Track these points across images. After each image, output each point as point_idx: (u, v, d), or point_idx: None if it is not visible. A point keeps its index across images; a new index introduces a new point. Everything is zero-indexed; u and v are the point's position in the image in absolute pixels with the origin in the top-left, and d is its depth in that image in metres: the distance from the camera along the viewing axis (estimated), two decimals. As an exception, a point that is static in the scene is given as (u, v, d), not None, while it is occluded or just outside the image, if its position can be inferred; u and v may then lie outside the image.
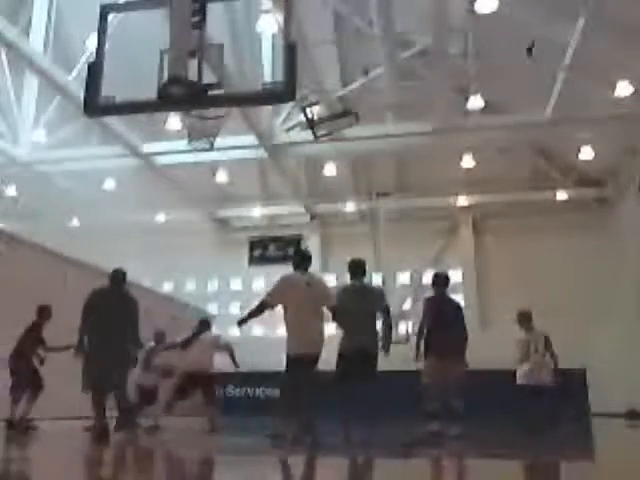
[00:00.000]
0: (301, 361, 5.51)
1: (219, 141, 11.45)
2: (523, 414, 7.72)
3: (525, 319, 8.29)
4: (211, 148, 11.44)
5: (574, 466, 4.29)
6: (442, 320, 6.52)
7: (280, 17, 6.63)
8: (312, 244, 18.08)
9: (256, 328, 17.81)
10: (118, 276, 6.32)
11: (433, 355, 6.38)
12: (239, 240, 18.46)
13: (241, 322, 5.87)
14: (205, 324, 8.27)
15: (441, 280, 6.95)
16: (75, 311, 6.28)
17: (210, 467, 4.29)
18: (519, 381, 7.80)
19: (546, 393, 7.55)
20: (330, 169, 15.21)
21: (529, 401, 7.57)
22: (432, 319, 6.56)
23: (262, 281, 18.29)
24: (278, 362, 15.39)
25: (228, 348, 8.15)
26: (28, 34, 11.40)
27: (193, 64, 4.67)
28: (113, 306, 6.07)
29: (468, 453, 5.17)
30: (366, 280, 6.26)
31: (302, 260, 5.78)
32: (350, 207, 17.05)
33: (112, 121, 12.18)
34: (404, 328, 15.24)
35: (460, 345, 6.54)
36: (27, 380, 7.45)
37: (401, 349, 8.45)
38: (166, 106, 5.76)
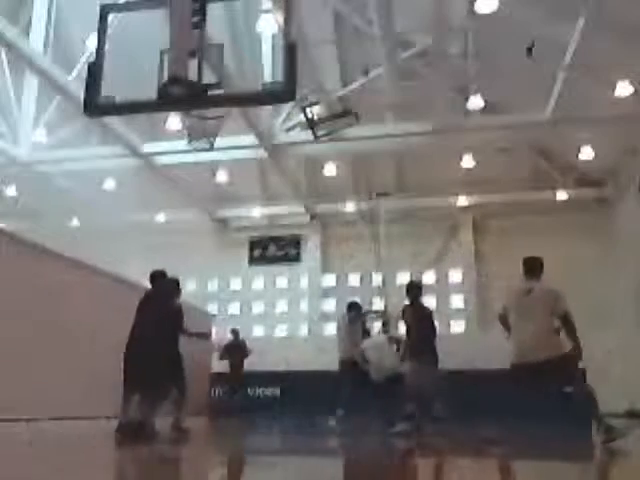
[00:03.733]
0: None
1: (219, 141, 11.46)
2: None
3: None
4: (211, 148, 11.46)
5: (574, 466, 4.29)
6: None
7: (280, 17, 6.63)
8: (312, 244, 18.09)
9: (256, 328, 17.85)
10: None
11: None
12: (239, 240, 18.45)
13: None
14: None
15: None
16: (76, 311, 6.30)
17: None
18: None
19: None
20: (330, 169, 15.21)
21: None
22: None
23: (262, 281, 18.32)
24: (278, 362, 15.40)
25: None
26: (28, 34, 11.39)
27: (193, 64, 4.68)
28: None
29: (469, 453, 5.18)
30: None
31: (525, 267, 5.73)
32: (350, 207, 17.05)
33: (112, 121, 12.17)
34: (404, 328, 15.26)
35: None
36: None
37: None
38: (166, 106, 5.77)
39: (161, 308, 6.32)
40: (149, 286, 6.79)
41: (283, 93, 4.78)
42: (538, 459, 4.56)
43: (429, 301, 15.28)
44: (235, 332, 13.08)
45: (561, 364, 5.16)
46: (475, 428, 8.44)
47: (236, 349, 12.69)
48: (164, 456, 4.78)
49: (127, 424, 5.84)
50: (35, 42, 11.23)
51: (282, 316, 17.88)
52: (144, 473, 3.83)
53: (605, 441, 4.93)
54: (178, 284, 6.75)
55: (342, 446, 6.26)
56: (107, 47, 5.06)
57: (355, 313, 9.47)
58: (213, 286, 18.37)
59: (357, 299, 10.78)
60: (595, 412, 5.07)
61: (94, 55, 5.07)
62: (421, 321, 7.19)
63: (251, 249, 18.44)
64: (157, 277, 6.52)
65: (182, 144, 12.26)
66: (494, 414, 11.16)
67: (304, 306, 17.74)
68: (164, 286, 6.53)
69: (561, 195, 15.56)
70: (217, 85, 4.80)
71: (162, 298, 6.42)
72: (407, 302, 7.48)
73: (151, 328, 6.07)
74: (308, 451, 5.59)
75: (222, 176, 15.53)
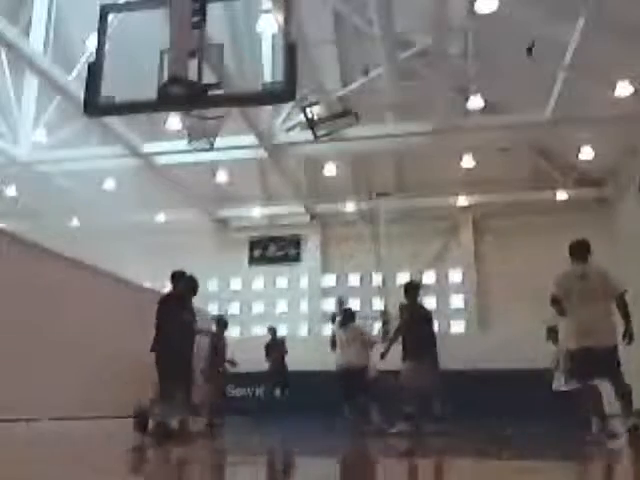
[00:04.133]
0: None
1: (219, 141, 11.45)
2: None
3: None
4: (211, 148, 11.44)
5: (575, 466, 4.29)
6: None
7: (280, 17, 6.63)
8: (312, 244, 18.09)
9: (256, 328, 17.85)
10: None
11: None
12: (239, 240, 18.45)
13: None
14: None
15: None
16: (76, 310, 6.28)
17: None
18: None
19: None
20: (330, 169, 15.20)
21: None
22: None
23: (262, 281, 18.32)
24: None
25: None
26: (28, 34, 11.39)
27: (193, 64, 4.68)
28: None
29: (467, 452, 5.18)
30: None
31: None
32: (350, 207, 17.04)
33: (112, 121, 12.17)
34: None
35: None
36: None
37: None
38: (166, 106, 5.78)
39: (184, 308, 6.42)
40: (149, 286, 6.91)
41: (283, 93, 4.78)
42: (540, 458, 4.56)
43: (429, 301, 15.30)
44: (272, 330, 12.77)
45: (614, 356, 5.25)
46: (475, 428, 8.45)
47: (274, 347, 12.47)
48: (181, 456, 4.78)
49: (164, 424, 5.89)
50: (35, 42, 11.22)
51: (282, 316, 17.87)
52: (155, 474, 3.83)
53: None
54: (195, 284, 6.81)
55: (342, 446, 6.27)
56: (107, 47, 5.06)
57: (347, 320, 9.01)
58: (213, 286, 18.35)
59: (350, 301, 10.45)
60: (629, 409, 5.14)
61: (94, 55, 5.07)
62: (420, 321, 7.19)
63: (251, 249, 18.43)
64: (177, 277, 6.66)
65: (182, 144, 12.25)
66: (494, 414, 11.17)
67: (304, 306, 17.75)
68: (185, 285, 6.64)
69: (561, 195, 15.56)
70: (217, 85, 4.80)
71: (182, 298, 6.54)
72: (405, 301, 7.48)
73: (181, 328, 6.15)
74: (308, 451, 5.59)
75: (222, 176, 15.52)
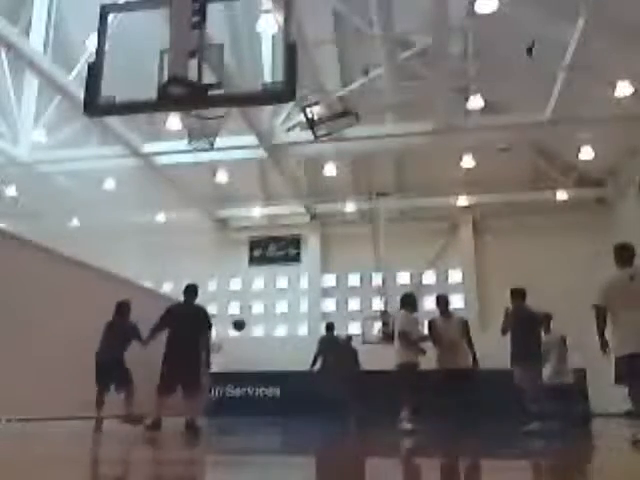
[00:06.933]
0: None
1: (219, 141, 11.46)
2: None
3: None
4: (211, 148, 11.45)
5: (574, 466, 4.29)
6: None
7: (280, 17, 6.63)
8: (312, 244, 18.10)
9: (256, 328, 17.85)
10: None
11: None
12: (239, 240, 18.46)
13: None
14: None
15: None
16: (76, 310, 6.26)
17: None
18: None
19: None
20: (330, 169, 15.21)
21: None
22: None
23: (262, 281, 18.33)
24: (278, 362, 15.33)
25: None
26: (28, 34, 11.40)
27: (193, 64, 4.67)
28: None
29: (467, 452, 5.17)
30: None
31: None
32: (350, 207, 17.06)
33: (112, 121, 12.18)
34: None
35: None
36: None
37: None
38: (166, 106, 5.76)
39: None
40: (149, 286, 7.21)
41: (283, 93, 4.77)
42: (544, 458, 4.56)
43: (429, 301, 15.29)
44: (330, 325, 11.91)
45: None
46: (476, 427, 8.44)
47: (335, 346, 11.70)
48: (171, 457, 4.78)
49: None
50: (35, 42, 11.23)
51: (282, 316, 17.88)
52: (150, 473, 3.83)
53: None
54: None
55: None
56: (107, 47, 5.05)
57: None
58: (213, 286, 18.36)
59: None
60: None
61: (94, 55, 5.06)
62: (526, 325, 7.31)
63: (251, 249, 18.45)
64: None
65: (182, 144, 12.25)
66: (494, 413, 11.16)
67: (304, 306, 17.75)
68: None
69: (561, 195, 15.57)
70: (217, 85, 4.79)
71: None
72: (516, 305, 7.73)
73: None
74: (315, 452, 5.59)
75: (222, 176, 15.53)
